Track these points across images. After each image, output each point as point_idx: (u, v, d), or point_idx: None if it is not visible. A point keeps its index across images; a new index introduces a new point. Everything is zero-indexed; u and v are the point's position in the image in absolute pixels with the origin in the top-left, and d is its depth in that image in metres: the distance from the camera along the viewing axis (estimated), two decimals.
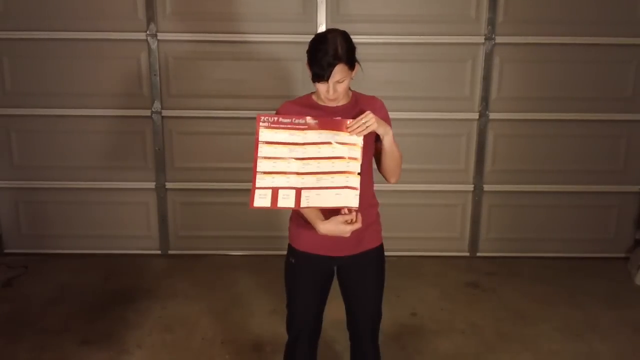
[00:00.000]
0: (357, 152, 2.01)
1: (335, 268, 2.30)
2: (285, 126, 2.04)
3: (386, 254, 2.35)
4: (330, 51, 2.01)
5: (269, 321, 3.40)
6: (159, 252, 4.34)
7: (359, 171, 2.00)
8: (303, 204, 1.98)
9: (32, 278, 3.96)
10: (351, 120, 2.02)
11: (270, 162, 2.01)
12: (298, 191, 1.98)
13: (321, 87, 2.07)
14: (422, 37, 3.99)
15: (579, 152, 4.20)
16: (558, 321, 3.46)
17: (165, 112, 4.10)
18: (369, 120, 2.00)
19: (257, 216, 4.19)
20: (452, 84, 4.10)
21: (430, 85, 4.08)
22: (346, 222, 2.03)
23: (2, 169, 4.20)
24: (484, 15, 3.96)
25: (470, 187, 4.26)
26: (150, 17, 3.94)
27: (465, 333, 3.35)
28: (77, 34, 3.96)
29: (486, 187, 4.26)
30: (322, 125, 2.04)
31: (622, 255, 4.31)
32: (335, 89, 2.06)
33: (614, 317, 3.50)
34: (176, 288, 3.82)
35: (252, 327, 3.37)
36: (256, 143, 2.03)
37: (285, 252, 2.33)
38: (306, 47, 2.08)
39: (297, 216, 2.24)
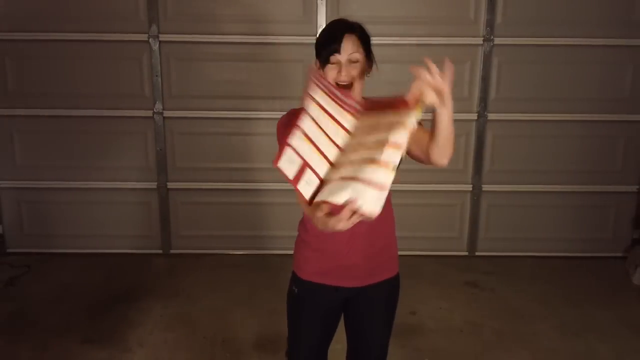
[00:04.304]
0: (404, 137, 1.39)
1: (343, 300, 1.99)
2: (336, 99, 1.58)
3: None
4: (343, 22, 1.89)
5: (269, 320, 3.42)
6: (160, 251, 4.36)
7: (397, 164, 1.37)
8: (317, 198, 1.47)
9: (34, 277, 3.98)
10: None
11: (315, 127, 1.56)
12: (321, 183, 1.48)
13: (331, 71, 1.82)
14: (421, 38, 4.01)
15: (577, 152, 4.22)
16: (556, 320, 3.49)
17: (166, 113, 4.12)
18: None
19: (257, 216, 4.22)
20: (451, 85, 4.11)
21: None
22: (326, 214, 1.45)
23: (5, 169, 4.22)
24: (483, 16, 3.99)
25: (469, 187, 4.29)
26: (152, 19, 3.96)
27: (464, 332, 3.37)
28: (79, 35, 3.99)
29: (485, 187, 4.28)
30: (374, 108, 1.52)
31: (620, 254, 4.34)
32: (347, 70, 1.79)
33: (611, 316, 3.52)
34: (177, 287, 3.84)
35: (253, 326, 3.38)
36: (305, 95, 1.62)
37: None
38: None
39: (303, 241, 1.99)
